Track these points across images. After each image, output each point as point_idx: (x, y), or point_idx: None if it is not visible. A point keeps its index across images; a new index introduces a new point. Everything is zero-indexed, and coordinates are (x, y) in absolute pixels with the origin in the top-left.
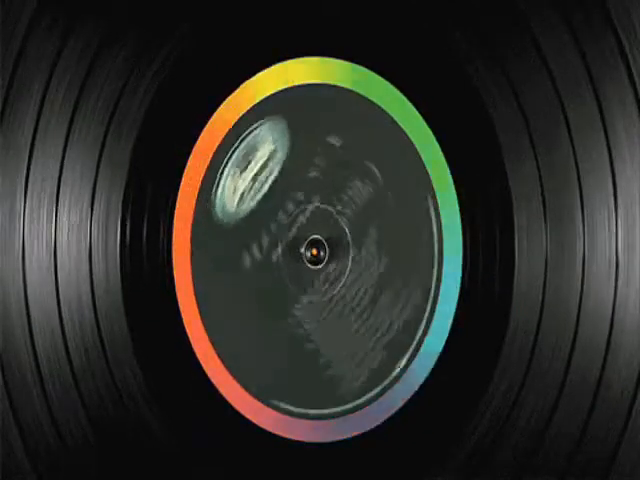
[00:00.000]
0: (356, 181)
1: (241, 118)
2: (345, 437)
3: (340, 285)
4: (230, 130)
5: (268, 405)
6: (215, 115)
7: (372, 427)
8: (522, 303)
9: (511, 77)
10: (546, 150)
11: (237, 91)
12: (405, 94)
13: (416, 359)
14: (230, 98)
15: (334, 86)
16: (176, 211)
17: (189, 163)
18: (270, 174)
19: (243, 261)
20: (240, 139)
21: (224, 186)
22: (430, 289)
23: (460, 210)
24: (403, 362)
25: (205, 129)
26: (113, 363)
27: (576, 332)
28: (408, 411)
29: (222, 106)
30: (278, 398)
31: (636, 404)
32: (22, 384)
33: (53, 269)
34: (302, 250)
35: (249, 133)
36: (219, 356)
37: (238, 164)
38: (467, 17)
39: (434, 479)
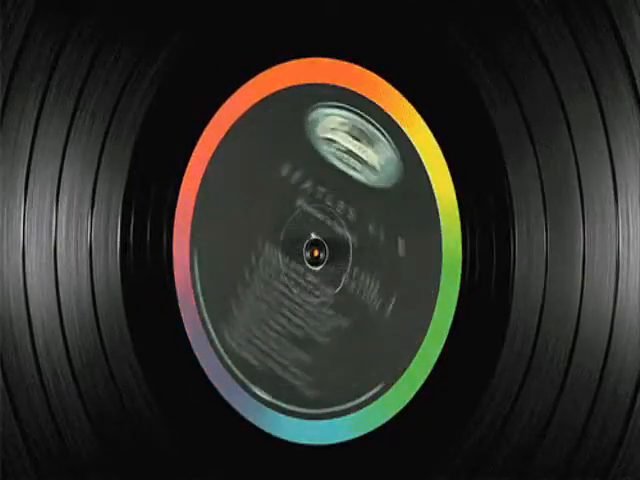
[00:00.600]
0: (354, 181)
1: (241, 118)
2: (345, 437)
3: (339, 287)
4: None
5: (268, 405)
6: (215, 115)
7: (372, 427)
8: (522, 303)
9: (511, 77)
10: (546, 150)
11: (238, 91)
12: (405, 94)
13: (416, 359)
14: (231, 98)
15: (333, 86)
16: (176, 211)
17: (189, 163)
18: (355, 170)
19: (243, 261)
20: (369, 119)
21: (331, 116)
22: (430, 289)
23: (460, 210)
24: (403, 362)
25: (205, 129)
26: (113, 363)
27: (576, 332)
28: (408, 411)
29: (222, 106)
30: (278, 399)
31: (636, 404)
32: (22, 384)
33: (53, 269)
34: (302, 251)
35: (377, 128)
36: (219, 356)
37: (352, 127)
38: (467, 17)
39: (434, 479)
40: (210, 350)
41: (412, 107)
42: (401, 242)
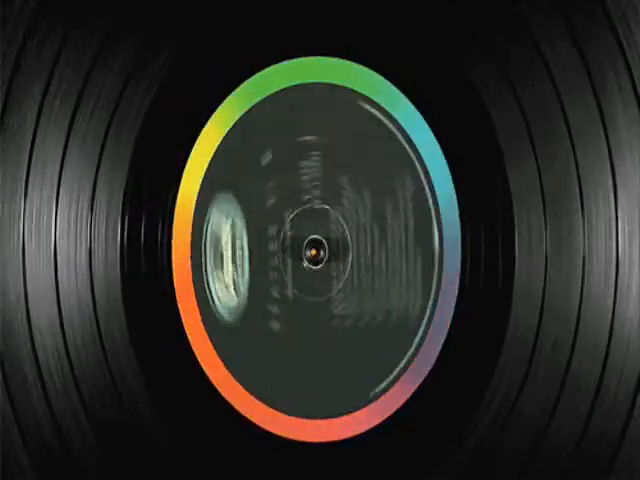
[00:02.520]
0: (354, 181)
1: (241, 118)
2: (345, 437)
3: (340, 285)
4: (193, 226)
5: (268, 405)
6: (215, 115)
7: (372, 427)
8: (522, 303)
9: (511, 77)
10: (546, 150)
11: (237, 91)
12: (405, 94)
13: (416, 359)
14: (230, 98)
15: (334, 85)
16: (176, 211)
17: (189, 163)
18: (242, 244)
19: (244, 260)
20: (205, 241)
21: (217, 293)
22: (430, 289)
23: (460, 210)
24: (403, 362)
25: (205, 129)
26: (113, 363)
27: (576, 332)
28: (408, 411)
29: (222, 106)
30: (278, 398)
31: (636, 404)
32: (22, 384)
33: (53, 269)
34: (302, 250)
35: (207, 230)
36: (219, 356)
37: (216, 265)
38: (467, 17)
39: (434, 479)
40: (210, 349)
41: (413, 107)
42: (401, 242)
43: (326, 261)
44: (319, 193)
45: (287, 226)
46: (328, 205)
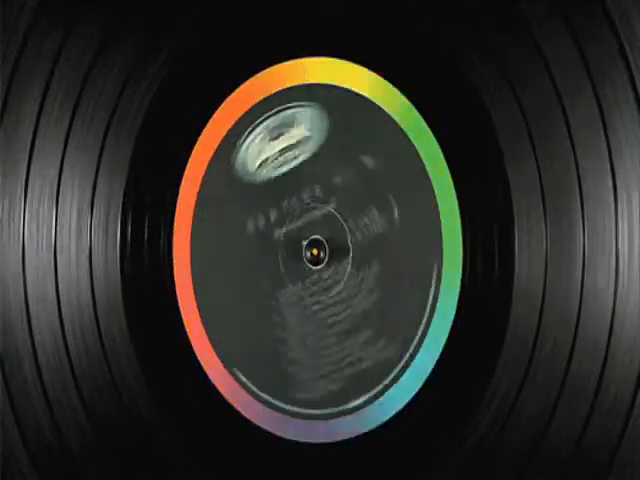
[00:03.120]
0: (354, 181)
1: (240, 118)
2: (345, 437)
3: (339, 286)
4: (251, 110)
5: (268, 405)
6: (215, 115)
7: (372, 427)
8: (522, 303)
9: (511, 77)
10: (546, 150)
11: (237, 91)
12: (405, 94)
13: (416, 359)
14: (229, 100)
15: (334, 85)
16: (176, 211)
17: (189, 163)
18: (297, 156)
19: (243, 261)
20: (279, 109)
21: (250, 144)
22: (430, 289)
23: (460, 210)
24: (403, 362)
25: (205, 130)
26: (113, 363)
27: (576, 332)
28: (408, 411)
29: (222, 106)
30: (278, 398)
31: (636, 404)
32: (22, 384)
33: (53, 269)
34: (303, 249)
35: (290, 108)
36: (219, 356)
37: (271, 131)
38: (467, 17)
39: (434, 479)
40: (210, 349)
41: (412, 107)
42: (401, 242)
43: (327, 261)
44: (318, 193)
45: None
46: (327, 205)
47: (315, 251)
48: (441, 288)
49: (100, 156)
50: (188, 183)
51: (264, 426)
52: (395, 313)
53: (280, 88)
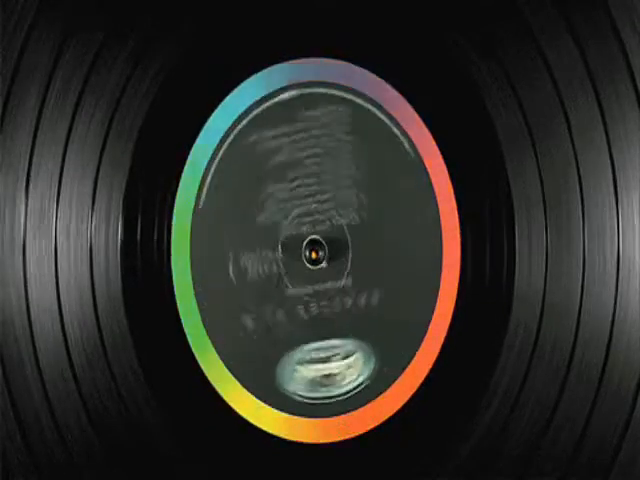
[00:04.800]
0: (355, 181)
1: (240, 118)
2: (345, 437)
3: (339, 285)
4: None
5: (268, 405)
6: (215, 115)
7: (372, 427)
8: (522, 303)
9: (511, 77)
10: (546, 150)
11: (237, 90)
12: (405, 94)
13: (416, 359)
14: (229, 98)
15: (334, 85)
16: (176, 211)
17: (189, 163)
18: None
19: (243, 261)
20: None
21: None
22: (430, 289)
23: (460, 210)
24: (403, 362)
25: (205, 129)
26: (113, 363)
27: (577, 332)
28: (408, 411)
29: (222, 106)
30: (278, 398)
31: (637, 404)
32: (22, 384)
33: (53, 269)
34: (302, 251)
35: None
36: (219, 356)
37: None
38: (467, 18)
39: (434, 479)
40: (210, 350)
41: (412, 107)
42: (401, 242)
43: (327, 260)
44: (319, 194)
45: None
46: (327, 205)
47: (314, 253)
48: (441, 288)
49: (100, 156)
50: (188, 183)
51: (264, 426)
52: (395, 313)
53: (280, 88)
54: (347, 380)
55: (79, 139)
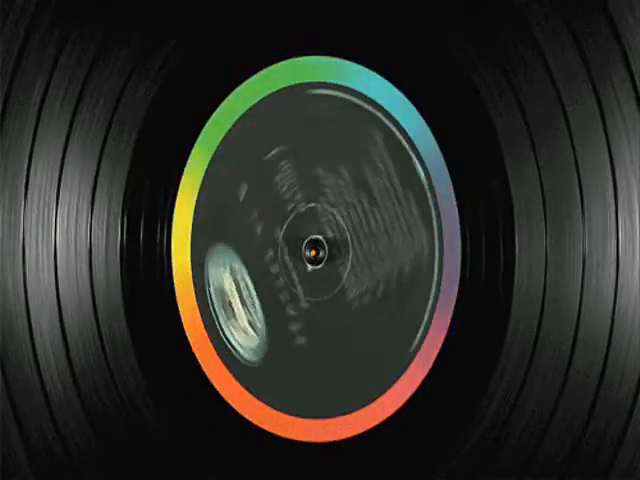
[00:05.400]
0: (355, 181)
1: (241, 118)
2: (345, 437)
3: (339, 286)
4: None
5: (268, 405)
6: (215, 115)
7: (372, 427)
8: (522, 303)
9: (511, 77)
10: (546, 150)
11: (237, 91)
12: (405, 94)
13: (416, 359)
14: (230, 98)
15: (334, 85)
16: (176, 211)
17: (189, 163)
18: (247, 286)
19: (244, 259)
20: (211, 301)
21: (238, 341)
22: (430, 289)
23: (460, 210)
24: (403, 362)
25: (205, 129)
26: (113, 363)
27: (577, 332)
28: (408, 411)
29: (222, 106)
30: (277, 398)
31: (637, 404)
32: (22, 384)
33: (53, 269)
34: (301, 250)
35: (210, 291)
36: (219, 356)
37: (228, 317)
38: (467, 17)
39: (434, 479)
40: (210, 349)
41: (412, 107)
42: (401, 243)
43: (327, 259)
44: (322, 194)
45: (282, 242)
46: (329, 205)
47: (313, 252)
48: (441, 288)
49: (100, 156)
50: (188, 183)
51: (264, 426)
52: (395, 314)
53: (280, 88)
54: (237, 331)
55: (79, 139)
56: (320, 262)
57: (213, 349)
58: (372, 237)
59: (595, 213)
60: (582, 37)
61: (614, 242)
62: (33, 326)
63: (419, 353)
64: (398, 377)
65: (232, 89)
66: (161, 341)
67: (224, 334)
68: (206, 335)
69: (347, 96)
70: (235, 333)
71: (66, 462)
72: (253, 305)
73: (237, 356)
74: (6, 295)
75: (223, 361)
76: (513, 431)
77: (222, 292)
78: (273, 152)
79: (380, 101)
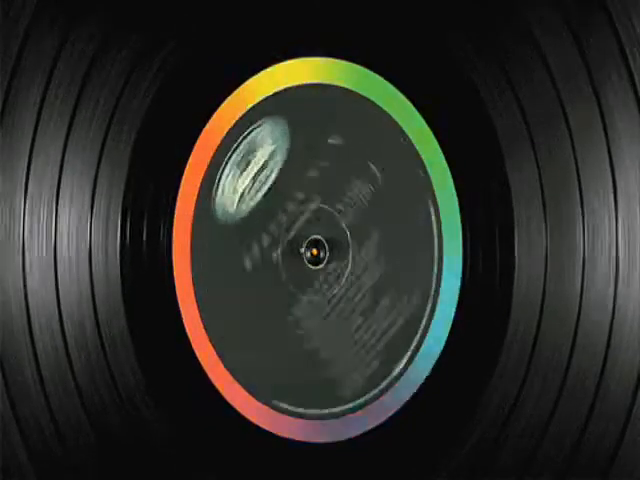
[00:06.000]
0: (356, 181)
1: (241, 118)
2: (345, 437)
3: (340, 286)
4: (230, 130)
5: (268, 405)
6: (215, 115)
7: (372, 427)
8: (522, 303)
9: (511, 77)
10: (546, 150)
11: (237, 91)
12: (405, 94)
13: (416, 359)
14: (230, 98)
15: (334, 86)
16: (176, 211)
17: (189, 163)
18: (270, 174)
19: (243, 261)
20: (240, 139)
21: (224, 186)
22: (430, 289)
23: (460, 210)
24: (403, 362)
25: (205, 129)
26: (113, 363)
27: (576, 332)
28: (408, 411)
29: (222, 106)
30: (278, 398)
31: (636, 404)
32: (22, 384)
33: (53, 269)
34: (302, 250)
35: (249, 133)
36: (219, 356)
37: (238, 164)
38: (467, 17)
39: (434, 479)
40: (210, 350)
41: (412, 107)
42: (401, 243)
43: (326, 262)
44: (318, 193)
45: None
46: (327, 205)
47: (314, 251)
48: (441, 289)
49: (100, 156)
50: (188, 183)
51: (264, 426)
52: (395, 313)
53: (281, 88)
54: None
55: (79, 139)
56: (320, 262)
57: (213, 349)
58: (372, 237)
59: (595, 213)
60: (582, 37)
61: (614, 242)
62: (33, 326)
63: (419, 353)
64: (398, 377)
65: (232, 89)
66: (161, 341)
67: (222, 171)
68: (206, 334)
69: (347, 96)
70: (228, 181)
71: (66, 462)
72: (257, 190)
73: (212, 201)
74: (6, 295)
75: (223, 361)
76: (513, 431)
77: (252, 150)
78: (273, 152)
79: (380, 101)
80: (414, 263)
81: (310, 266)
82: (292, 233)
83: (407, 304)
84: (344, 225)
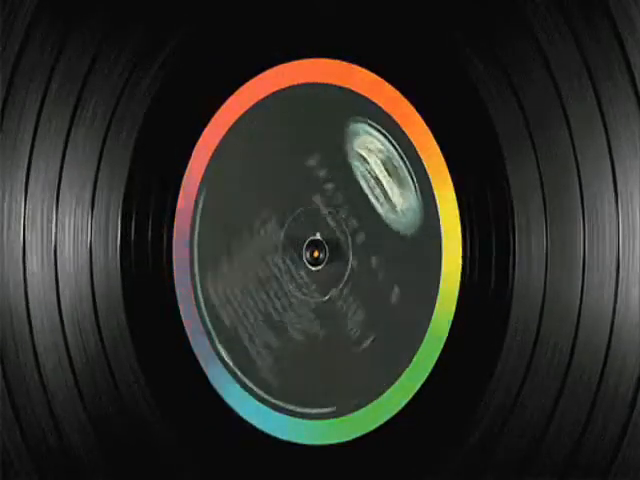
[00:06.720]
0: (354, 181)
1: (241, 118)
2: (345, 437)
3: (339, 286)
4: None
5: (268, 405)
6: (216, 115)
7: (372, 427)
8: (522, 303)
9: (511, 77)
10: (546, 150)
11: (238, 91)
12: (405, 94)
13: (416, 359)
14: (231, 98)
15: (334, 86)
16: (176, 211)
17: (190, 163)
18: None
19: (243, 261)
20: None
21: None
22: (430, 289)
23: (460, 210)
24: (403, 362)
25: (206, 129)
26: (113, 363)
27: (576, 332)
28: (408, 411)
29: (223, 106)
30: (279, 398)
31: (637, 404)
32: (22, 384)
33: (53, 269)
34: (302, 251)
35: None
36: (219, 356)
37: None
38: (467, 17)
39: (434, 479)
40: (210, 350)
41: (412, 107)
42: (400, 242)
43: (326, 261)
44: (318, 195)
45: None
46: (325, 206)
47: (315, 252)
48: (441, 288)
49: (100, 156)
50: (189, 183)
51: (264, 427)
52: (395, 314)
53: (281, 88)
54: None
55: (79, 139)
56: (319, 264)
57: (213, 349)
58: (372, 238)
59: (595, 213)
60: (582, 37)
61: (614, 242)
62: (33, 326)
63: (419, 353)
64: (398, 377)
65: (232, 89)
66: (161, 340)
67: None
68: (206, 334)
69: (347, 96)
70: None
71: (66, 462)
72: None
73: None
74: (6, 294)
75: (223, 361)
76: (513, 431)
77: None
78: (273, 152)
79: (379, 102)
80: (414, 263)
81: (310, 267)
82: (291, 235)
83: (407, 304)
84: (343, 225)
